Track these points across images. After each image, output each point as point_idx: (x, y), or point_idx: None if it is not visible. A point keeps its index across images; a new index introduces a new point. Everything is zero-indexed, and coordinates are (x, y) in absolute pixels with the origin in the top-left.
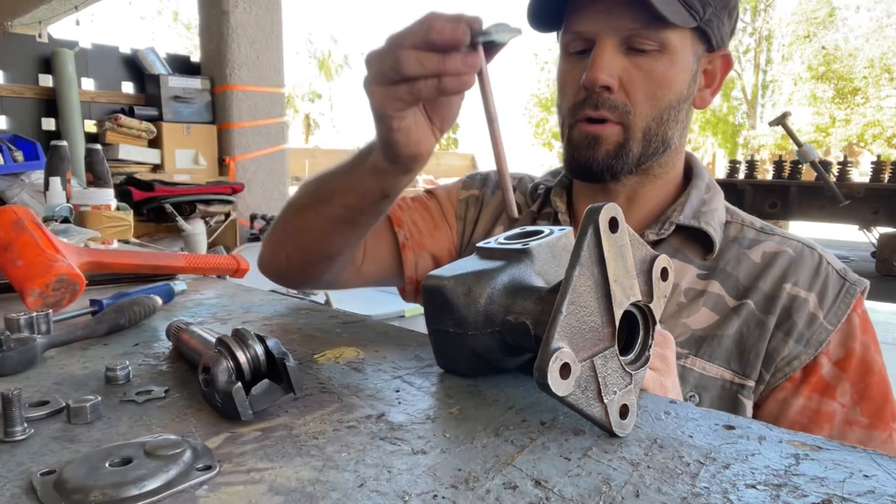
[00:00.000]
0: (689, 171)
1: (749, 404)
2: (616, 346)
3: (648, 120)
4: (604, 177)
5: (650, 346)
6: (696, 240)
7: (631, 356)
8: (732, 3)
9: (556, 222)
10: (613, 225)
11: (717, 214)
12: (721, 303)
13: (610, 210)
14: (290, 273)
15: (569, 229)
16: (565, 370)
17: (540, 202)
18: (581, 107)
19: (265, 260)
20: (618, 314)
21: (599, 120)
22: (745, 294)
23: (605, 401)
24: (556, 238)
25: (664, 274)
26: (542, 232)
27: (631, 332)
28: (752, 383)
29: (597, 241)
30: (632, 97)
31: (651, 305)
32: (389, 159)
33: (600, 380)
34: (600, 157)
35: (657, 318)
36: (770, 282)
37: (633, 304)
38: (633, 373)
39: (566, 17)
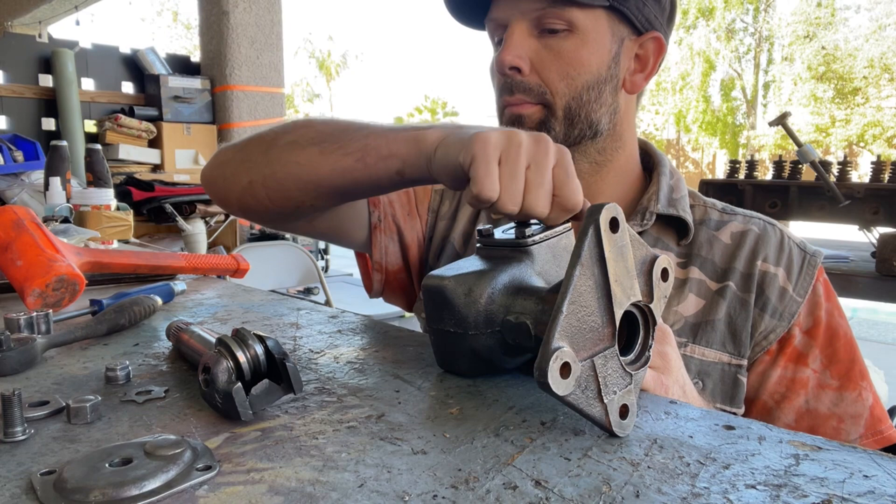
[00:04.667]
0: (649, 160)
1: (745, 382)
2: (616, 346)
3: (567, 99)
4: None
5: (650, 347)
6: (670, 226)
7: (631, 356)
8: None
9: None
10: (614, 225)
11: (686, 199)
12: (704, 287)
13: (611, 210)
14: (244, 191)
15: (570, 229)
16: (565, 370)
17: None
18: (501, 93)
19: (215, 177)
20: (618, 314)
21: (517, 103)
22: (724, 276)
23: (605, 401)
24: (556, 238)
25: (664, 274)
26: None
27: (631, 333)
28: (745, 362)
29: (597, 241)
30: (545, 78)
31: (651, 306)
32: (440, 174)
33: (600, 379)
34: None
35: (657, 319)
36: (743, 261)
37: (634, 305)
38: (633, 373)
39: (484, 7)
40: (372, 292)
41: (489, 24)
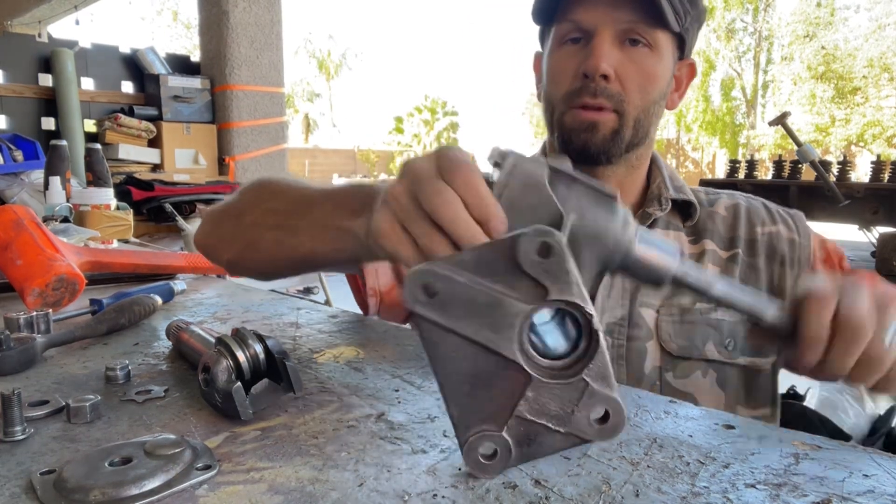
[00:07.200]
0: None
1: None
2: (535, 376)
3: (639, 111)
4: (600, 159)
5: (598, 331)
6: (677, 210)
7: (568, 360)
8: (703, 20)
9: None
10: (429, 290)
11: (686, 185)
12: (717, 256)
13: (418, 274)
14: (228, 266)
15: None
16: (488, 452)
17: None
18: (578, 94)
19: (204, 247)
20: (507, 353)
21: (595, 107)
22: (731, 244)
23: (566, 429)
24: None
25: (544, 250)
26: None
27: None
28: None
29: (430, 322)
30: (626, 87)
31: (552, 295)
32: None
33: (543, 419)
34: (598, 141)
35: (587, 298)
36: (744, 229)
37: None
38: (583, 377)
39: (563, 7)
40: (368, 314)
41: (565, 23)
